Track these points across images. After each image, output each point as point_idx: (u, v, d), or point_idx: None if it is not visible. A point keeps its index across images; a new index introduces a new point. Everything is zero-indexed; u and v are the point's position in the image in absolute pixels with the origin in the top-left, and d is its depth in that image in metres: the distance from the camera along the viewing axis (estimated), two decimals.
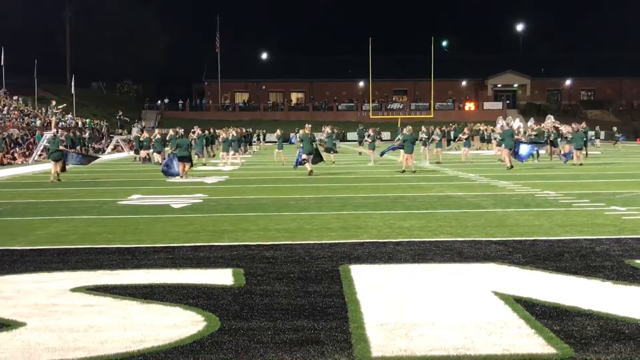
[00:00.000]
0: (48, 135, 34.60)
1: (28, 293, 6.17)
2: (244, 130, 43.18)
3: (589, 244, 8.31)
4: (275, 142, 30.58)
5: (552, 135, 30.43)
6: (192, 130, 32.56)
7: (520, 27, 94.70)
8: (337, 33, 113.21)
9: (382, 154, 26.69)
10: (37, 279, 6.72)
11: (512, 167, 22.52)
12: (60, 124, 45.19)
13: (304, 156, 21.43)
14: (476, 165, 25.89)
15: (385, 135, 62.64)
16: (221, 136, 29.48)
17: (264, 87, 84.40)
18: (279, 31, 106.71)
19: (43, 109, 54.62)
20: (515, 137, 24.80)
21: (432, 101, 69.13)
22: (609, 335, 4.80)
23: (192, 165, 21.89)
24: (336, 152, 32.79)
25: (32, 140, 38.83)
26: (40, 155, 34.59)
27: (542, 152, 29.97)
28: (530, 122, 37.72)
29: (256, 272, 6.89)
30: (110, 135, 53.27)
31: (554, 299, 5.75)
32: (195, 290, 6.20)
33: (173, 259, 7.71)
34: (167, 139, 29.01)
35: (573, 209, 11.91)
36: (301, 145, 21.86)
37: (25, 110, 52.17)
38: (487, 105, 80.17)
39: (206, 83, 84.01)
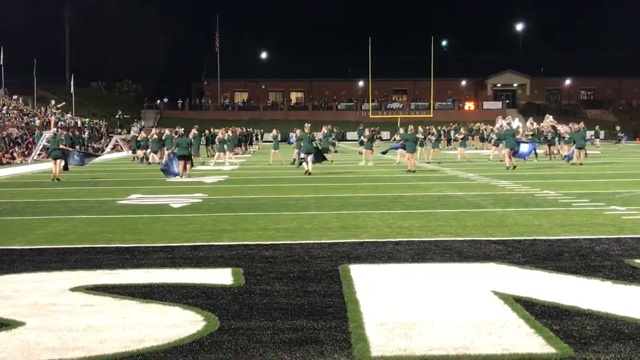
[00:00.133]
0: (47, 134, 34.62)
1: (27, 292, 6.16)
2: (243, 130, 43.21)
3: (589, 244, 8.30)
4: (271, 142, 30.55)
5: (550, 135, 30.46)
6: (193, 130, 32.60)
7: (520, 27, 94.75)
8: (337, 33, 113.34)
9: (384, 152, 26.70)
10: (36, 279, 6.72)
11: (515, 167, 22.49)
12: (59, 123, 45.16)
13: (302, 155, 21.48)
14: (475, 165, 25.89)
15: (385, 134, 62.66)
16: (217, 136, 29.46)
17: (263, 87, 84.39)
18: (279, 31, 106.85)
19: (42, 108, 54.60)
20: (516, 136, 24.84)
21: (431, 101, 69.13)
22: (609, 334, 4.80)
23: (192, 165, 21.91)
24: (336, 151, 32.88)
25: (31, 139, 38.83)
26: (39, 154, 34.58)
27: (540, 152, 30.00)
28: (527, 122, 37.78)
29: (255, 272, 6.88)
30: (110, 135, 53.26)
31: (554, 298, 5.75)
32: (194, 289, 6.20)
33: (172, 258, 7.70)
34: (163, 138, 29.11)
35: (572, 208, 11.91)
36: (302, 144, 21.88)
37: (25, 110, 52.14)
38: (487, 105, 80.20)
39: (205, 82, 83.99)
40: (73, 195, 15.61)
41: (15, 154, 34.26)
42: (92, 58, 79.36)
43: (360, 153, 33.26)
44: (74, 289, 6.24)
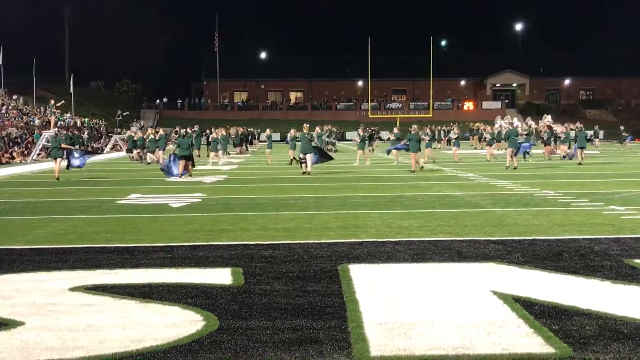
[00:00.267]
0: (47, 134, 34.62)
1: (27, 292, 6.16)
2: (245, 129, 43.19)
3: (588, 244, 8.31)
4: (265, 141, 30.60)
5: (546, 134, 30.50)
6: (193, 129, 32.60)
7: (519, 27, 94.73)
8: (336, 32, 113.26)
9: (388, 152, 26.68)
10: (35, 278, 6.72)
11: (515, 167, 22.49)
12: (58, 122, 45.13)
13: (301, 155, 21.51)
14: (475, 164, 25.90)
15: (385, 134, 62.60)
16: (211, 135, 29.43)
17: (262, 87, 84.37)
18: (278, 30, 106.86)
19: (42, 108, 54.58)
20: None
21: (431, 101, 69.07)
22: (608, 334, 4.80)
23: (194, 165, 21.94)
24: (336, 151, 32.81)
25: (30, 139, 38.81)
26: (38, 154, 34.57)
27: (539, 151, 30.05)
28: (521, 123, 37.84)
29: (255, 272, 6.89)
30: (109, 134, 53.25)
31: (553, 298, 5.76)
32: (194, 289, 6.20)
33: (172, 258, 7.70)
34: (157, 138, 29.16)
35: (572, 208, 11.91)
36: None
37: (24, 110, 52.11)
38: (486, 104, 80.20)
39: (205, 82, 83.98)
40: (72, 195, 15.61)
41: (14, 154, 34.25)
42: (92, 58, 79.32)
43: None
44: (73, 289, 6.24)
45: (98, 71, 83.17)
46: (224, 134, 30.15)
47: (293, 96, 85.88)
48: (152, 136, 29.98)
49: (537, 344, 4.61)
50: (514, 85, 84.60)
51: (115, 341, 4.72)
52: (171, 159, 20.84)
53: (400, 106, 78.70)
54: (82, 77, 73.48)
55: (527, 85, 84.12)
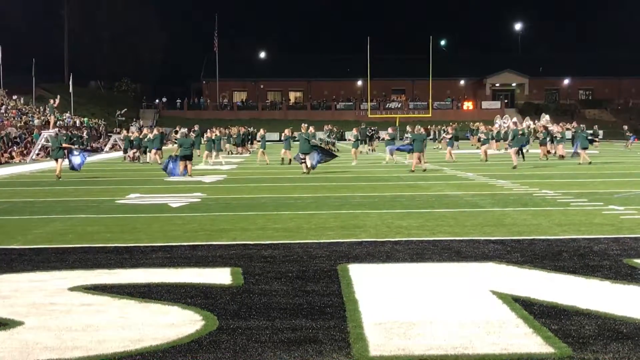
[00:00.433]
0: (46, 134, 34.62)
1: (26, 292, 6.16)
2: (245, 129, 43.17)
3: (587, 243, 8.31)
4: (259, 141, 30.65)
5: (542, 135, 30.53)
6: (193, 129, 32.63)
7: (518, 27, 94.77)
8: (336, 32, 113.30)
9: (391, 152, 26.68)
10: (34, 278, 6.71)
11: (515, 167, 22.50)
12: (57, 122, 45.10)
13: (301, 155, 21.52)
14: (474, 164, 25.90)
15: (384, 135, 62.53)
16: (206, 135, 29.42)
17: (262, 86, 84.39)
18: (277, 30, 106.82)
19: (41, 107, 54.54)
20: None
21: (430, 100, 69.10)
22: (607, 334, 4.80)
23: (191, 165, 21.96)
24: (337, 150, 32.76)
25: (30, 139, 38.80)
26: (37, 154, 34.56)
27: (537, 151, 30.09)
28: (515, 122, 37.88)
29: (254, 272, 6.88)
30: (109, 134, 53.23)
31: (552, 298, 5.75)
32: (193, 289, 6.19)
33: (171, 258, 7.70)
34: (152, 138, 29.24)
35: (571, 208, 11.91)
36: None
37: (24, 109, 52.08)
38: (486, 104, 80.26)
39: (204, 82, 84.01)
40: (71, 195, 15.60)
41: (13, 154, 34.24)
42: (91, 57, 79.33)
43: (361, 152, 33.33)
44: (72, 289, 6.24)
45: (97, 71, 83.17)
46: (218, 134, 30.18)
47: (292, 96, 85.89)
48: (149, 136, 30.04)
49: (536, 343, 4.61)
50: (514, 85, 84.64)
51: (114, 341, 4.72)
52: (172, 159, 20.91)
53: (399, 106, 78.72)
54: (82, 77, 73.59)
55: (526, 85, 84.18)
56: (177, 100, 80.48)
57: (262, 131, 31.71)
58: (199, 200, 14.07)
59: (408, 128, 30.35)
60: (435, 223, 10.18)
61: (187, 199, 14.10)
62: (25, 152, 35.45)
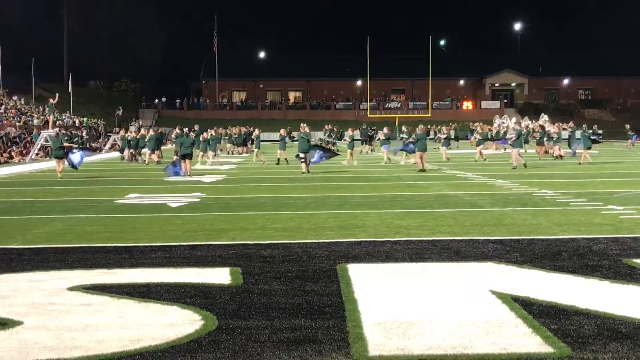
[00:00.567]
0: (45, 133, 34.61)
1: (25, 292, 6.16)
2: (246, 129, 43.17)
3: (587, 243, 8.31)
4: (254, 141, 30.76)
5: (539, 134, 30.53)
6: (192, 129, 32.63)
7: (518, 26, 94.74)
8: (335, 32, 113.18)
9: (395, 152, 26.69)
10: (34, 278, 6.71)
11: (514, 167, 22.51)
12: (57, 122, 45.09)
13: (302, 155, 21.54)
14: (474, 164, 25.90)
15: (380, 134, 62.49)
16: (202, 135, 29.46)
17: (261, 86, 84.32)
18: (277, 30, 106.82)
19: (40, 107, 54.52)
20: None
21: (429, 100, 69.10)
22: (606, 334, 4.80)
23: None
24: (338, 150, 32.58)
25: (29, 139, 38.78)
26: (37, 154, 34.54)
27: (532, 151, 30.16)
28: (514, 122, 37.95)
29: (254, 271, 6.88)
30: (108, 134, 53.21)
31: (552, 298, 5.75)
32: (192, 289, 6.19)
33: (170, 258, 7.70)
34: (147, 139, 29.27)
35: (570, 208, 11.92)
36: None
37: (23, 109, 52.06)
38: (485, 104, 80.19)
39: (204, 82, 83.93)
40: (71, 195, 15.60)
41: (13, 153, 34.22)
42: (90, 57, 79.26)
43: (360, 152, 33.37)
44: (71, 289, 6.24)
45: (97, 70, 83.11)
46: (214, 134, 30.23)
47: (292, 96, 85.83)
48: (147, 136, 30.09)
49: (535, 343, 4.61)
50: (513, 84, 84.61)
51: (113, 341, 4.72)
52: (179, 158, 21.13)
53: (399, 106, 78.66)
54: (81, 77, 73.51)
55: (525, 85, 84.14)
56: (177, 100, 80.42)
57: (256, 131, 31.76)
58: (199, 200, 14.07)
59: (404, 128, 30.42)
60: (434, 223, 10.18)
61: (187, 199, 14.10)
62: (24, 152, 35.43)
